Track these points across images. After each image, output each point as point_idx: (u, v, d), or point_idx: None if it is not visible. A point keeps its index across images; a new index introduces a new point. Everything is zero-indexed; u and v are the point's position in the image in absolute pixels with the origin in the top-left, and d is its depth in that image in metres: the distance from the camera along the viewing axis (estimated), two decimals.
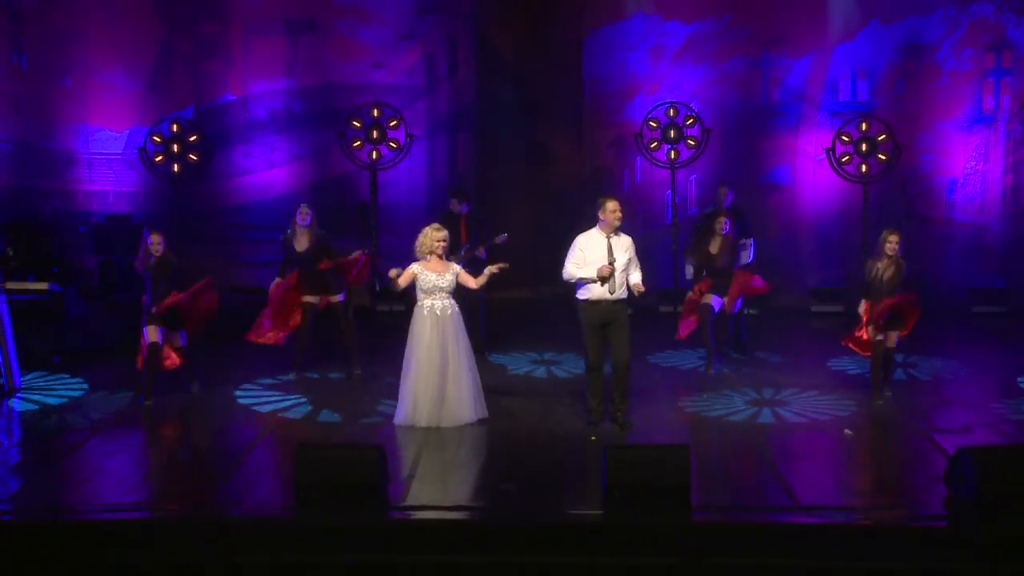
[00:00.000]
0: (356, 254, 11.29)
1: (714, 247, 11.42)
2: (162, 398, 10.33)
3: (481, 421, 9.48)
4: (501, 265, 9.49)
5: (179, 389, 10.57)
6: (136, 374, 10.42)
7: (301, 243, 11.17)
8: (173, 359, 10.41)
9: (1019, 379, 10.89)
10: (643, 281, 9.33)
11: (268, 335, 11.25)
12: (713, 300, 11.34)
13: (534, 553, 7.01)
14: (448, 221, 11.56)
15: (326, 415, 10.04)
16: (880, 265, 10.07)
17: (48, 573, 7.00)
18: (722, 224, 11.41)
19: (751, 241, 12.02)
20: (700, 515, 7.35)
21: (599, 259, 9.13)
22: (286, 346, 11.35)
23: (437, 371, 9.29)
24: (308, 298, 11.21)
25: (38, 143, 16.01)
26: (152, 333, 10.17)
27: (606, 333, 9.23)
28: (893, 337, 10.12)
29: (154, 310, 10.10)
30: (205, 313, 10.44)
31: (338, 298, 11.24)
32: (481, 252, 11.80)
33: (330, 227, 11.60)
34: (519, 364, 12.00)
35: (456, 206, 12.19)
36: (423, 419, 9.30)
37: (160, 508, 7.71)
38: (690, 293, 11.50)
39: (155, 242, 10.20)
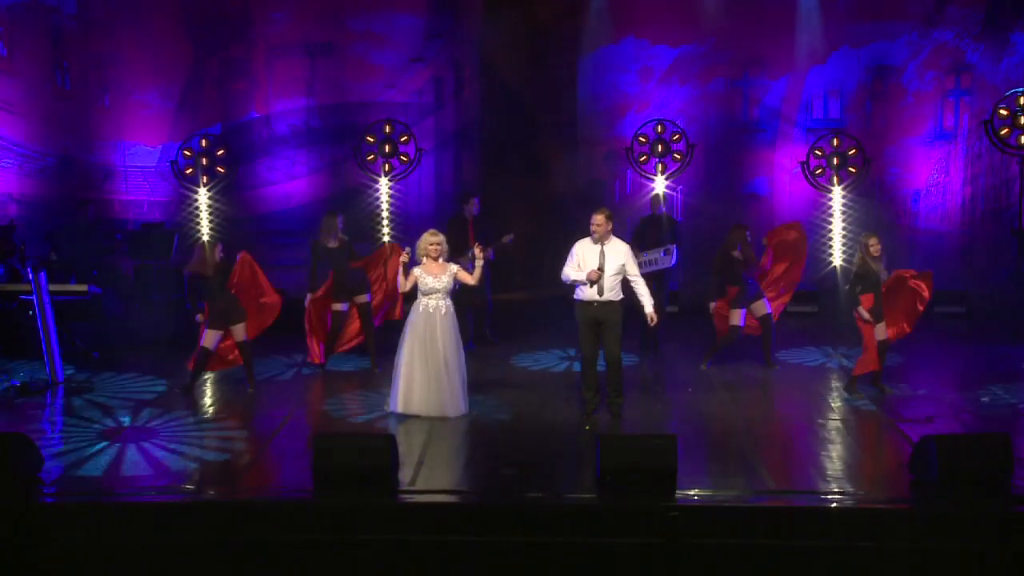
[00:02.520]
0: (387, 250, 10.98)
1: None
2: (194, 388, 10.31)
3: (467, 415, 9.32)
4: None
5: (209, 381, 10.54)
6: (185, 369, 10.36)
7: (332, 243, 11.05)
8: (227, 361, 10.33)
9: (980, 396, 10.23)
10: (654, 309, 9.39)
11: (316, 353, 10.97)
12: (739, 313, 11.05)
13: (532, 534, 6.98)
14: (457, 224, 11.51)
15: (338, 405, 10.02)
16: (876, 267, 9.90)
17: (86, 552, 6.97)
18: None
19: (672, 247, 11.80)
20: (685, 499, 7.31)
21: (591, 264, 9.19)
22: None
23: (429, 364, 9.18)
24: (336, 306, 11.03)
25: (80, 157, 16.00)
26: (209, 338, 10.11)
27: (600, 331, 9.21)
28: (883, 329, 9.97)
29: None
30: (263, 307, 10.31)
31: (364, 298, 11.06)
32: (488, 253, 11.72)
33: (347, 234, 11.52)
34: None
35: (467, 210, 12.11)
36: (415, 407, 9.21)
37: (190, 491, 7.67)
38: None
39: (217, 250, 10.23)
